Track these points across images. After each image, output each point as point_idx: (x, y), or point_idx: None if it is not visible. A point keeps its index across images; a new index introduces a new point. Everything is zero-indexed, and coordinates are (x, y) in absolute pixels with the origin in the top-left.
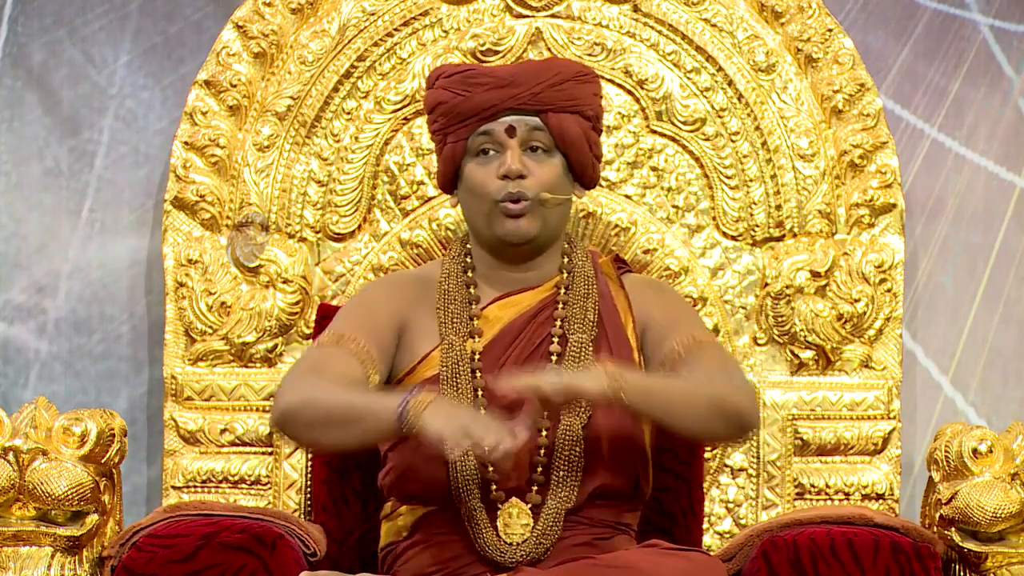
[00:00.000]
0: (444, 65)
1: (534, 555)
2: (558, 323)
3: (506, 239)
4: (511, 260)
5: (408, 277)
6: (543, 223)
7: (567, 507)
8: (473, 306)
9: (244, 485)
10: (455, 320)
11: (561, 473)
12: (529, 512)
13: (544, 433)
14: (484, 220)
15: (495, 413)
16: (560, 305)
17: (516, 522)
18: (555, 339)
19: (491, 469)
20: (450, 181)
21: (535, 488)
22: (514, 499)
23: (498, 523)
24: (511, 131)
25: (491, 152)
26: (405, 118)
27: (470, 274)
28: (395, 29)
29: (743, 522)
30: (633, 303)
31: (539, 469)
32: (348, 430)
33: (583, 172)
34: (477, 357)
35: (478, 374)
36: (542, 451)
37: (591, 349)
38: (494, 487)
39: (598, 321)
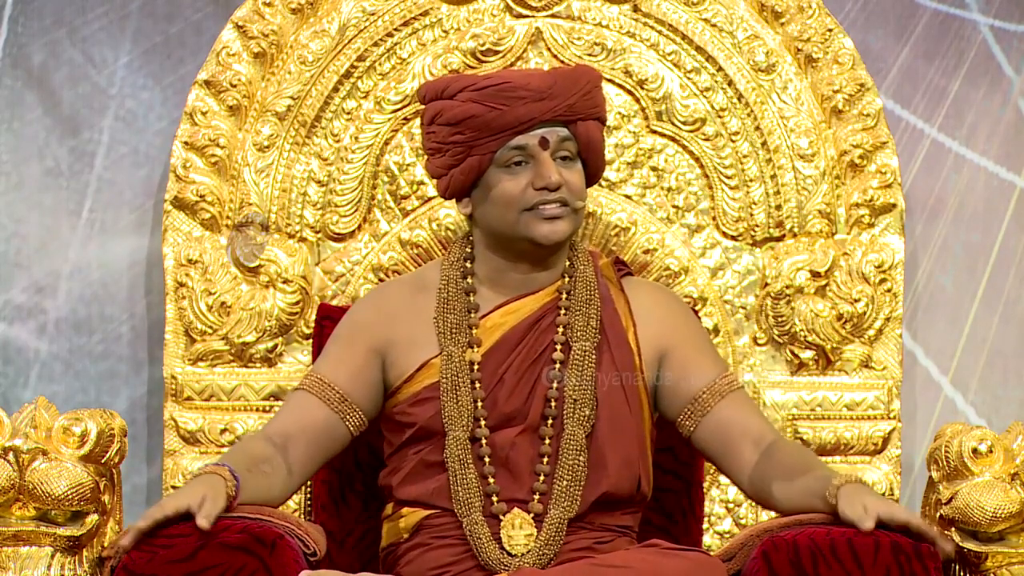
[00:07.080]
0: (464, 76)
1: (537, 565)
2: (560, 330)
3: (543, 242)
4: (531, 261)
5: (399, 287)
6: (573, 226)
7: (570, 516)
8: (472, 315)
9: None
10: (453, 330)
11: (564, 482)
12: (531, 521)
13: (547, 442)
14: (512, 227)
15: (496, 422)
16: (562, 311)
17: (519, 532)
18: (558, 346)
19: (492, 481)
20: (466, 190)
21: (537, 496)
22: (516, 509)
23: (501, 535)
24: (544, 143)
25: (520, 162)
26: (405, 118)
27: (470, 280)
28: (395, 29)
29: (743, 522)
30: (637, 310)
31: (541, 478)
32: None
33: (596, 174)
34: (476, 367)
35: (477, 385)
36: (545, 460)
37: (594, 357)
38: (495, 498)
39: (599, 327)
